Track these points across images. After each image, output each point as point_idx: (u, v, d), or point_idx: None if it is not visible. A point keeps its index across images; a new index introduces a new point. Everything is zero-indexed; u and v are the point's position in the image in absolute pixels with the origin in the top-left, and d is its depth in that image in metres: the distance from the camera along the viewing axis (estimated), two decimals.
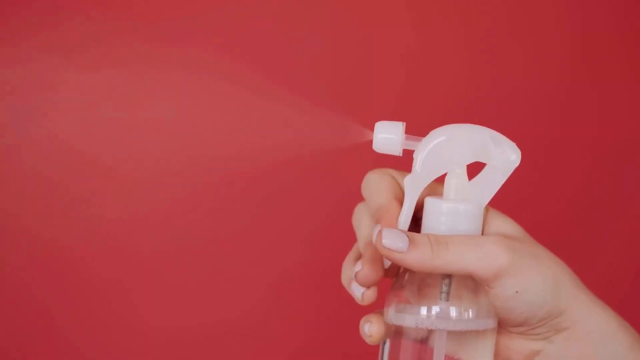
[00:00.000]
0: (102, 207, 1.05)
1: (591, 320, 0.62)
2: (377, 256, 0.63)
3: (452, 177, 0.62)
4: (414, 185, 0.62)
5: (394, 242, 0.60)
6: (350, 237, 0.96)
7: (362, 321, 0.64)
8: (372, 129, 0.64)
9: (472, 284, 0.61)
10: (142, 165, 1.05)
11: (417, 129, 1.11)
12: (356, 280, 0.63)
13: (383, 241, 0.60)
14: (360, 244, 0.65)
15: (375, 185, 0.64)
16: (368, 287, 0.63)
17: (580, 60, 1.09)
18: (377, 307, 0.65)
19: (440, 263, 0.60)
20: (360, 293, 0.64)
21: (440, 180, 0.63)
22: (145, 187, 1.05)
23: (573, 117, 1.10)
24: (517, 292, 0.60)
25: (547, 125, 1.10)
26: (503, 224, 0.64)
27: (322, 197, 1.07)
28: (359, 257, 0.65)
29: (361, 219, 0.65)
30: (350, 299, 1.00)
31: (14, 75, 1.03)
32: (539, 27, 1.08)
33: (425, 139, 0.63)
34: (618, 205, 1.11)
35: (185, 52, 1.05)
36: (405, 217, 0.62)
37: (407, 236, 0.60)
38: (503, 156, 0.62)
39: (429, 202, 0.62)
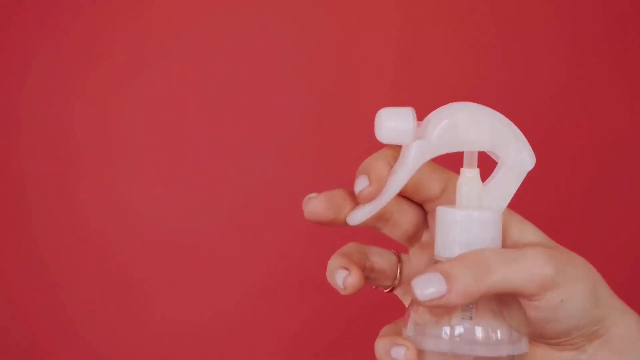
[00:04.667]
0: (101, 203, 1.05)
1: (623, 326, 0.58)
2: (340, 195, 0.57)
3: (466, 182, 0.56)
4: (422, 152, 0.55)
5: (430, 289, 0.53)
6: (347, 235, 0.95)
7: (384, 343, 0.56)
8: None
9: (499, 297, 0.55)
10: (145, 164, 1.05)
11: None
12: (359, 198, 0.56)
13: (417, 294, 0.53)
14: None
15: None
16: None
17: (577, 59, 1.07)
18: (389, 319, 0.60)
19: (487, 288, 0.53)
20: (341, 280, 0.58)
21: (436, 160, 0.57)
22: (140, 183, 1.05)
23: (569, 117, 1.08)
24: (562, 301, 0.55)
25: (542, 125, 1.08)
26: (526, 230, 0.59)
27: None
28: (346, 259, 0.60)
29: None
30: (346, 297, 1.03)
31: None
32: (532, 26, 1.06)
33: (445, 109, 0.56)
34: (618, 206, 1.09)
35: (185, 52, 1.05)
36: (399, 180, 0.56)
37: (440, 273, 0.53)
38: (519, 155, 0.56)
39: (444, 211, 0.56)
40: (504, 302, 0.55)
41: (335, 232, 1.06)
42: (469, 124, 0.55)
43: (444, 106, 0.56)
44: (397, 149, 0.58)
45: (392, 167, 0.57)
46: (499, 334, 0.54)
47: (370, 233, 1.04)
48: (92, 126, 1.05)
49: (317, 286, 1.04)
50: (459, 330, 0.54)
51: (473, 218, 0.55)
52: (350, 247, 0.62)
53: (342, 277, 0.58)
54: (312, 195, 0.57)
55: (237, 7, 1.05)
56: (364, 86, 1.06)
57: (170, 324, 1.05)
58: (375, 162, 0.57)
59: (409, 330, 0.56)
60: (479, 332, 0.54)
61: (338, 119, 1.06)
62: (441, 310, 0.54)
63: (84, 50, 1.04)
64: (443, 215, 0.56)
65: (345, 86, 1.06)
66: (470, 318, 0.55)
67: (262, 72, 1.05)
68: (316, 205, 0.57)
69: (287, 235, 1.05)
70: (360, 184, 0.56)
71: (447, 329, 0.54)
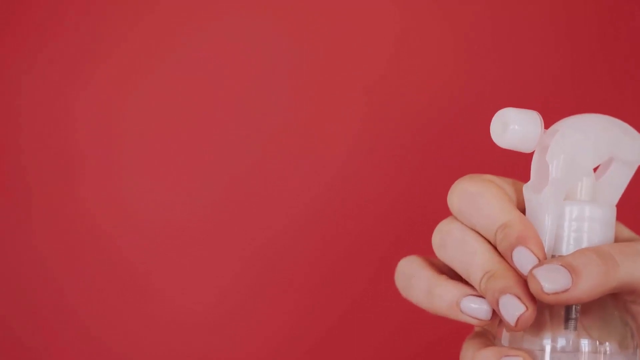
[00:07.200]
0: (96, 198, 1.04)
1: None
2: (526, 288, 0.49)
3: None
4: (556, 195, 0.50)
5: (556, 282, 0.47)
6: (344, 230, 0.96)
7: (489, 354, 0.49)
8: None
9: (602, 304, 0.50)
10: (143, 163, 1.04)
11: (410, 126, 1.07)
12: (517, 326, 0.48)
13: (543, 285, 0.47)
14: (477, 276, 0.50)
15: (484, 194, 0.51)
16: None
17: (576, 58, 1.04)
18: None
19: (612, 284, 0.48)
20: (516, 317, 0.49)
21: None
22: (140, 181, 1.05)
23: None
24: None
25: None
26: (618, 227, 0.54)
27: (304, 191, 1.05)
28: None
29: (467, 242, 0.51)
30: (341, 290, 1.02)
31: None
32: (530, 25, 1.04)
33: (554, 136, 0.51)
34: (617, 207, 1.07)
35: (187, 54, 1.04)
36: (549, 238, 0.50)
37: (565, 268, 0.47)
38: (631, 148, 0.52)
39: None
40: (609, 308, 0.50)
41: (332, 229, 1.02)
42: (584, 144, 0.51)
43: (553, 131, 0.52)
44: (497, 182, 0.52)
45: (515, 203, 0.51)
46: (607, 348, 0.50)
47: (366, 231, 0.97)
48: (95, 125, 1.04)
49: (312, 284, 1.03)
50: (561, 343, 0.49)
51: (588, 212, 0.50)
52: (427, 262, 0.53)
53: (518, 311, 0.49)
54: (524, 313, 0.48)
55: (237, 7, 1.03)
56: (363, 84, 1.04)
57: (169, 318, 1.04)
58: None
59: (504, 341, 0.50)
60: (585, 347, 0.49)
61: (337, 119, 1.04)
62: (561, 304, 0.49)
63: (86, 50, 1.03)
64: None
65: (343, 85, 1.04)
66: (575, 329, 0.50)
67: (262, 73, 1.04)
68: (532, 318, 0.49)
69: (285, 232, 1.04)
70: (512, 311, 0.48)
71: (548, 341, 0.49)
